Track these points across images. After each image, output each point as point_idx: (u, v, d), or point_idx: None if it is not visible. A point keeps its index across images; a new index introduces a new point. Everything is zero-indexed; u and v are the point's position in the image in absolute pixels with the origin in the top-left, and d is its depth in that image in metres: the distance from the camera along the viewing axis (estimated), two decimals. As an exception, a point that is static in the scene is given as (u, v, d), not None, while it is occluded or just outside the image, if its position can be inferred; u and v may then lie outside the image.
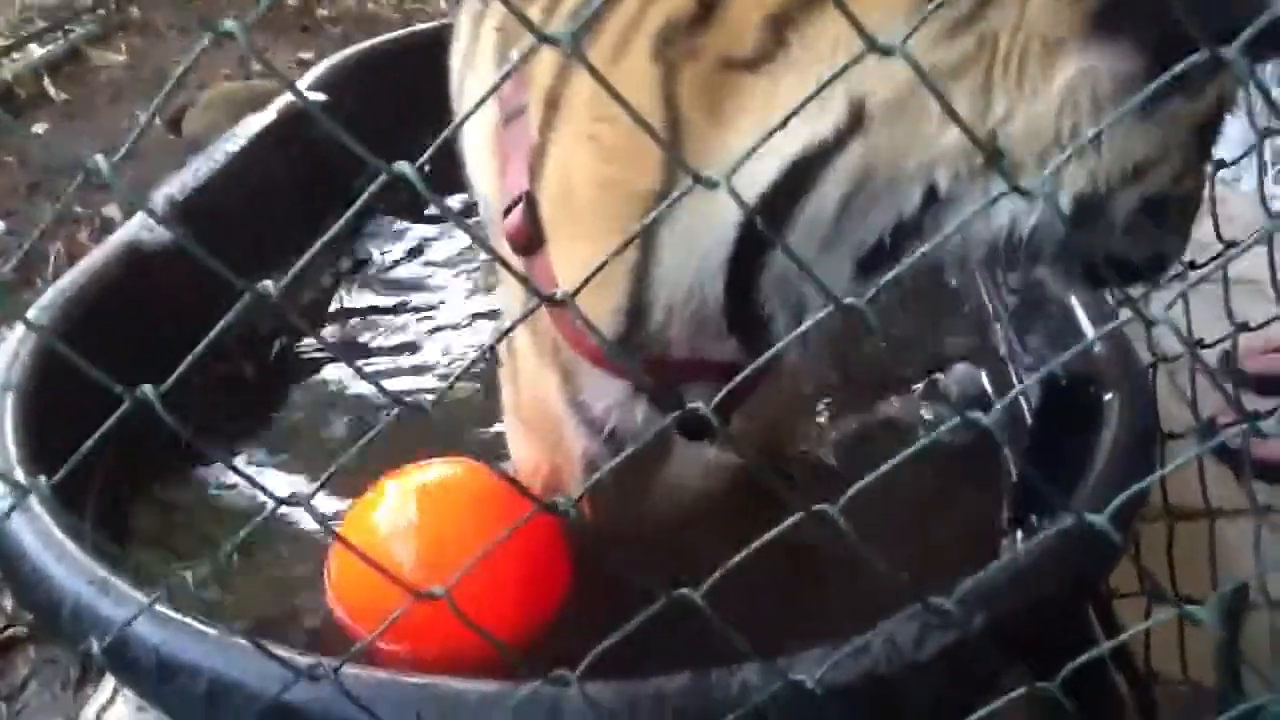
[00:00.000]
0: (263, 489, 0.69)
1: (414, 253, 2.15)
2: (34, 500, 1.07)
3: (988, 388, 1.63)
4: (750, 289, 0.99)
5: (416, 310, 1.97)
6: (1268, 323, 1.15)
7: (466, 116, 0.60)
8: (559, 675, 0.78)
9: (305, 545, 1.34)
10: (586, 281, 0.64)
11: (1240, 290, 1.10)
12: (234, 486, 1.49)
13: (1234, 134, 1.00)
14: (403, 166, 0.57)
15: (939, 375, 1.66)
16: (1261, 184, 1.16)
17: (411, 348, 1.87)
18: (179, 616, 0.96)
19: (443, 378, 1.76)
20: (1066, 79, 0.84)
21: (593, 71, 0.55)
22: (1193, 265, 1.06)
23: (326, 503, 1.35)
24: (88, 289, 1.51)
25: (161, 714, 1.06)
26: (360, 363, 1.78)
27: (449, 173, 1.43)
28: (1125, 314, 0.61)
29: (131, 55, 3.72)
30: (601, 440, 1.14)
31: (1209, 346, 1.08)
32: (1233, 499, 1.16)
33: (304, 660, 0.84)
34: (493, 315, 1.88)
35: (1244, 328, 1.05)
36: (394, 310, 1.97)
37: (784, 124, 0.60)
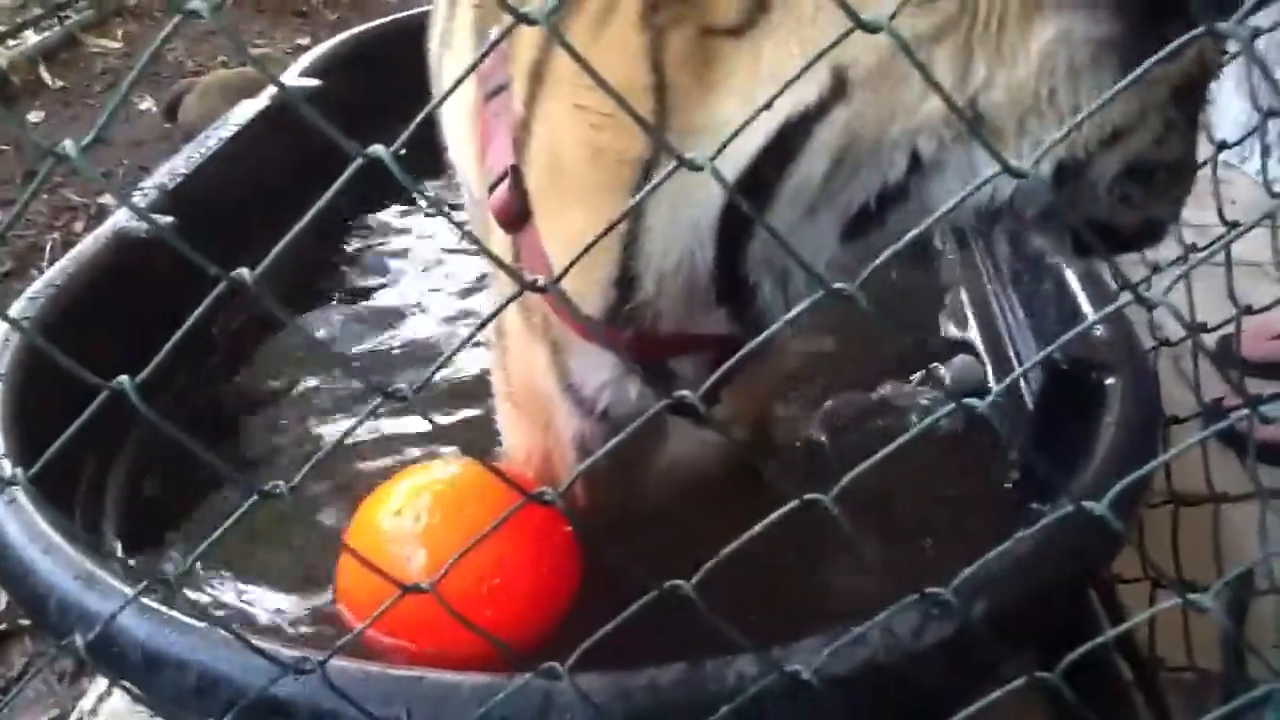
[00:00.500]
0: (237, 480, 0.68)
1: (406, 243, 2.14)
2: (19, 492, 1.06)
3: (991, 381, 1.62)
4: (738, 256, 0.98)
5: (407, 302, 1.95)
6: (1271, 305, 1.14)
7: (444, 97, 0.58)
8: (549, 668, 0.77)
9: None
10: (570, 266, 0.62)
11: (1242, 272, 1.09)
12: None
13: (1237, 115, 0.98)
14: (378, 149, 0.56)
15: (938, 364, 1.65)
16: (1265, 165, 1.15)
17: (401, 339, 1.85)
18: (165, 610, 0.94)
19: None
20: (1044, 43, 0.84)
21: (568, 49, 0.53)
22: (1194, 248, 1.05)
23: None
24: (77, 278, 1.50)
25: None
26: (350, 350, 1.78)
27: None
28: (1126, 297, 0.59)
29: (127, 41, 3.70)
30: (594, 419, 1.14)
31: (1211, 330, 1.07)
32: (1238, 483, 1.15)
33: (290, 654, 0.82)
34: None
35: (1247, 310, 1.04)
36: (383, 300, 1.96)
37: (769, 105, 0.58)
